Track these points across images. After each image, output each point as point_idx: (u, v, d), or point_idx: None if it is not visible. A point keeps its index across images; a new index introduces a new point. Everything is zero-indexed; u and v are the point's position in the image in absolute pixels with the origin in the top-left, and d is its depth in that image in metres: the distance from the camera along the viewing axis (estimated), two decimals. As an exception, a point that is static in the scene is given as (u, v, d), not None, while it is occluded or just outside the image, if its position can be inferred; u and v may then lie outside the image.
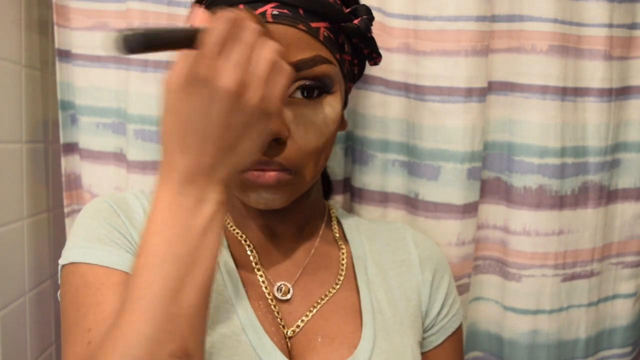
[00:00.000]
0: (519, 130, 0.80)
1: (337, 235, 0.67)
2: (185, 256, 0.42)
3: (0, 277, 0.74)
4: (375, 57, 0.63)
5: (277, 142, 0.52)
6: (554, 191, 0.80)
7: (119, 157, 0.83)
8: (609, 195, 0.84)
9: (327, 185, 0.77)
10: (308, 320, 0.58)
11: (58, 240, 0.89)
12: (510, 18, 0.79)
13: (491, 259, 0.85)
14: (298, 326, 0.57)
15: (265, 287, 0.59)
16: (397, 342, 0.59)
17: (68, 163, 0.85)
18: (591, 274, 0.84)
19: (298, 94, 0.54)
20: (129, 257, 0.53)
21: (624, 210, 0.85)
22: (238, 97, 0.41)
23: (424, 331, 0.66)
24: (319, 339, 0.57)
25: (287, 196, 0.55)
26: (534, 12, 0.77)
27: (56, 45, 0.82)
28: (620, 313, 0.87)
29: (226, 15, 0.42)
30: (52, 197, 0.88)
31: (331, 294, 0.61)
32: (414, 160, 0.80)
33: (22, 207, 0.79)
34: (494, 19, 0.79)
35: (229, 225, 0.62)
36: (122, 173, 0.83)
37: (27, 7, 0.81)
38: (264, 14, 0.52)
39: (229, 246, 0.61)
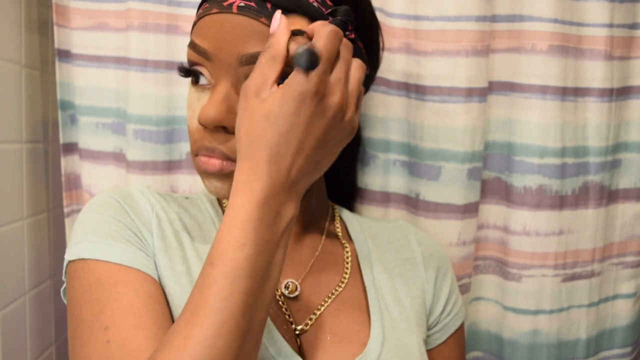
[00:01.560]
0: (519, 130, 0.80)
1: (341, 234, 0.67)
2: (261, 271, 0.42)
3: (0, 277, 0.74)
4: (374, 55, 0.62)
5: (225, 131, 0.52)
6: (554, 191, 0.80)
7: (118, 157, 0.83)
8: (609, 196, 0.84)
9: (350, 192, 0.79)
10: (317, 318, 0.58)
11: (58, 240, 0.89)
12: (511, 18, 0.79)
13: (491, 259, 0.85)
14: (307, 324, 0.57)
15: None
16: (405, 340, 0.59)
17: (68, 163, 0.85)
18: (592, 274, 0.84)
19: None
20: (141, 254, 0.52)
21: (625, 210, 0.85)
22: (342, 114, 0.45)
23: (428, 329, 0.66)
24: (328, 337, 0.56)
25: None
26: (534, 12, 0.77)
27: (56, 45, 0.82)
28: (620, 313, 0.87)
29: (332, 30, 0.44)
30: (52, 197, 0.88)
31: (338, 292, 0.60)
32: (415, 160, 0.80)
33: (22, 207, 0.79)
34: (494, 19, 0.79)
35: None
36: (121, 173, 0.82)
37: (27, 7, 0.81)
38: (230, 5, 0.51)
39: None
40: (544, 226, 0.80)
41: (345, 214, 0.71)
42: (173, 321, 0.50)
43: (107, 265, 0.50)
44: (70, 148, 0.85)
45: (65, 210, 0.84)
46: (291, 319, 0.57)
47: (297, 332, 0.56)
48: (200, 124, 0.52)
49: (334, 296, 0.60)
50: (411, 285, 0.65)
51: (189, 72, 0.55)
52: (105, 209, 0.55)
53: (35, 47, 0.84)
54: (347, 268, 0.63)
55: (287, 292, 0.58)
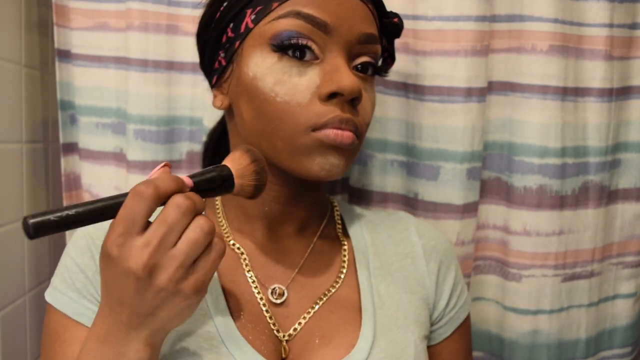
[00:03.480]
0: (519, 130, 0.80)
1: (340, 231, 0.65)
2: None
3: (0, 277, 0.74)
4: (389, 63, 0.65)
5: (352, 104, 0.53)
6: (554, 191, 0.80)
7: (118, 157, 0.83)
8: (609, 196, 0.84)
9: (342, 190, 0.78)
10: (306, 322, 0.56)
11: (58, 240, 0.89)
12: (511, 18, 0.79)
13: (491, 259, 0.85)
14: (295, 329, 0.56)
15: (258, 292, 0.57)
16: (399, 339, 0.58)
17: (68, 163, 0.85)
18: (591, 274, 0.84)
19: (358, 68, 0.56)
20: (85, 303, 0.54)
21: (625, 210, 0.85)
22: (146, 278, 0.41)
23: (433, 324, 0.64)
24: (317, 340, 0.55)
25: (347, 163, 0.55)
26: (534, 12, 0.77)
27: (56, 45, 0.82)
28: (620, 313, 0.86)
29: (141, 190, 0.41)
30: (52, 197, 0.88)
31: (330, 293, 0.59)
32: (414, 160, 0.80)
33: (22, 207, 0.79)
34: (494, 19, 0.79)
35: (222, 229, 0.61)
36: (121, 173, 0.83)
37: (27, 7, 0.81)
38: None
39: None
40: (544, 226, 0.80)
41: (344, 209, 0.69)
42: None
43: (57, 315, 0.54)
44: (70, 148, 0.85)
45: (65, 210, 0.84)
46: (277, 327, 0.55)
47: (286, 339, 0.55)
48: (335, 94, 0.52)
49: (326, 297, 0.58)
50: (411, 280, 0.63)
51: (287, 47, 0.52)
52: (72, 249, 0.57)
53: (35, 47, 0.84)
54: (343, 267, 0.61)
55: (273, 297, 0.57)
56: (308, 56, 0.53)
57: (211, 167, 0.47)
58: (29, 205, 0.81)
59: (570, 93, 0.79)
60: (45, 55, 0.86)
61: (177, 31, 0.80)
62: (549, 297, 0.81)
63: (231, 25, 0.56)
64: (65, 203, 0.84)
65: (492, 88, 0.81)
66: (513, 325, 0.83)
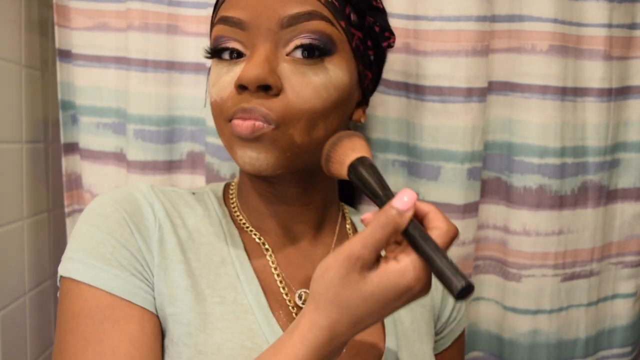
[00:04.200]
0: (519, 130, 0.80)
1: (351, 235, 0.63)
2: None
3: (0, 277, 0.74)
4: (388, 36, 0.60)
5: (264, 91, 0.50)
6: (553, 191, 0.80)
7: (119, 157, 0.83)
8: (608, 195, 0.84)
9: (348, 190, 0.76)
10: None
11: (58, 240, 0.89)
12: (510, 18, 0.80)
13: (491, 259, 0.85)
14: None
15: (286, 294, 0.56)
16: (417, 350, 0.58)
17: (68, 163, 0.85)
18: (591, 274, 0.84)
19: (298, 53, 0.52)
20: (134, 281, 0.50)
21: (624, 210, 0.85)
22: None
23: (435, 334, 0.65)
24: (344, 350, 0.53)
25: (272, 156, 0.51)
26: (534, 12, 0.78)
27: (56, 45, 0.82)
28: (620, 313, 0.87)
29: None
30: (52, 197, 0.88)
31: None
32: (414, 160, 0.80)
33: (22, 207, 0.79)
34: (494, 19, 0.79)
35: (245, 226, 0.59)
36: (122, 173, 0.83)
37: (27, 7, 0.81)
38: None
39: (246, 250, 0.57)
40: (543, 226, 0.80)
41: (354, 214, 0.68)
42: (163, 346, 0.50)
43: (97, 293, 0.49)
44: (71, 148, 0.85)
45: (66, 210, 0.84)
46: None
47: None
48: (241, 85, 0.50)
49: None
50: None
51: (217, 51, 0.54)
52: (102, 221, 0.52)
53: (36, 47, 0.84)
54: None
55: (301, 302, 0.55)
56: (235, 56, 0.53)
57: (373, 172, 0.47)
58: (29, 205, 0.81)
59: (569, 93, 0.80)
60: (45, 55, 0.86)
61: (178, 31, 0.80)
62: (548, 297, 0.81)
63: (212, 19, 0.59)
64: (66, 203, 0.84)
65: (492, 88, 0.81)
66: (513, 325, 0.83)
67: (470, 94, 0.77)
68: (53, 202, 0.88)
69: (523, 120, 0.79)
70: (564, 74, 0.78)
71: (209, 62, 0.77)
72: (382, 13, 0.60)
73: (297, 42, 0.51)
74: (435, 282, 0.61)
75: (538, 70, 0.78)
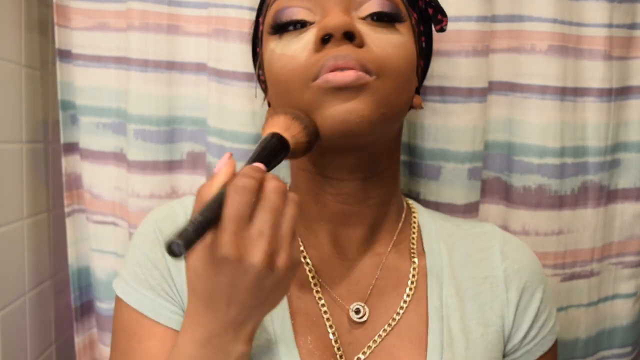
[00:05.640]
0: (519, 130, 0.80)
1: (414, 243, 0.59)
2: None
3: (0, 277, 0.74)
4: (440, 19, 0.59)
5: (347, 39, 0.48)
6: (553, 191, 0.80)
7: (119, 157, 0.83)
8: (608, 195, 0.84)
9: None
10: (371, 352, 0.52)
11: (58, 240, 0.88)
12: (510, 18, 0.80)
13: (491, 259, 0.85)
14: (359, 358, 0.52)
15: (325, 312, 0.53)
16: None
17: (68, 163, 0.85)
18: (591, 274, 0.84)
19: (369, 18, 0.51)
20: (161, 301, 0.53)
21: (624, 210, 0.85)
22: (268, 267, 0.40)
23: (506, 355, 0.58)
24: None
25: (368, 109, 0.48)
26: (533, 12, 0.78)
27: (56, 45, 0.82)
28: (620, 313, 0.87)
29: (242, 184, 0.39)
30: (52, 197, 0.88)
31: (395, 322, 0.53)
32: (415, 160, 0.80)
33: (22, 207, 0.79)
34: (494, 19, 0.79)
35: None
36: (122, 173, 0.82)
37: (27, 7, 0.81)
38: None
39: None
40: (543, 226, 0.80)
41: (422, 214, 0.62)
42: None
43: (130, 311, 0.53)
44: (71, 148, 0.85)
45: (66, 210, 0.84)
46: (340, 352, 0.52)
47: None
48: (325, 36, 0.48)
49: (390, 327, 0.53)
50: (487, 310, 0.56)
51: (284, 25, 0.52)
52: (142, 241, 0.55)
53: (35, 47, 0.84)
54: (410, 289, 0.55)
55: (357, 317, 0.53)
56: (300, 26, 0.52)
57: (260, 141, 0.45)
58: (29, 205, 0.81)
59: (569, 93, 0.80)
60: (45, 55, 0.86)
61: (178, 31, 0.80)
62: (548, 297, 0.82)
63: (260, 19, 0.60)
64: (66, 203, 0.84)
65: (492, 88, 0.81)
66: (513, 325, 0.83)
67: (470, 94, 0.77)
68: (53, 202, 0.88)
69: (523, 120, 0.79)
70: (564, 74, 0.78)
71: (209, 62, 0.78)
72: None
73: (370, 6, 0.51)
74: (509, 298, 0.57)
75: (538, 70, 0.78)
